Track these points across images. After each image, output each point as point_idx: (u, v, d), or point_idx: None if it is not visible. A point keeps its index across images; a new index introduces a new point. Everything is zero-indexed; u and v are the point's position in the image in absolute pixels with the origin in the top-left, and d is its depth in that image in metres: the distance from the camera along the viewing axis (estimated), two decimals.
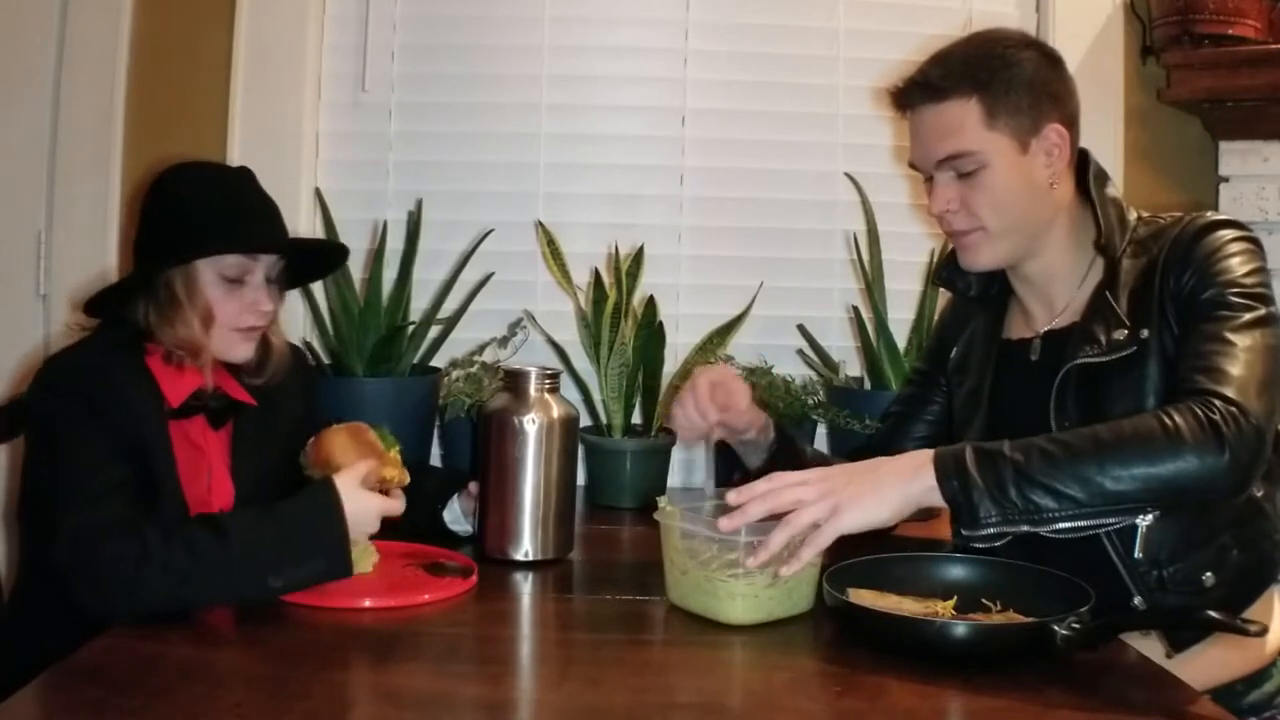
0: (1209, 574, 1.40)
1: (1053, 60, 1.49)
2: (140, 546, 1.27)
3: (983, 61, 1.45)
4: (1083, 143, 1.51)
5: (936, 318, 1.85)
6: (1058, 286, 1.53)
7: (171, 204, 1.51)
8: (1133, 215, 1.50)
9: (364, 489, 1.42)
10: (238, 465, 1.55)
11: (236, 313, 1.50)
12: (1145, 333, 1.40)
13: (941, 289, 1.78)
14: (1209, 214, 1.45)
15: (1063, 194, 1.49)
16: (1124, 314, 1.42)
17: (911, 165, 1.54)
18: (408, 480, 1.50)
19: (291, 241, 1.63)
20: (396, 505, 1.47)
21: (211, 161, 1.64)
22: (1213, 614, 1.15)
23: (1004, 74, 1.44)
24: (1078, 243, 1.51)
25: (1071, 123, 1.48)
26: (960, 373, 1.65)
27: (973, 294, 1.63)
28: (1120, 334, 1.41)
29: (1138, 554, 1.40)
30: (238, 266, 1.49)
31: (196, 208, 1.50)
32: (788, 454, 1.62)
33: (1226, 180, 2.19)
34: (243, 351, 1.54)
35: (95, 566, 1.26)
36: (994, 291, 1.62)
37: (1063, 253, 1.51)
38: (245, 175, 1.57)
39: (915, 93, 1.48)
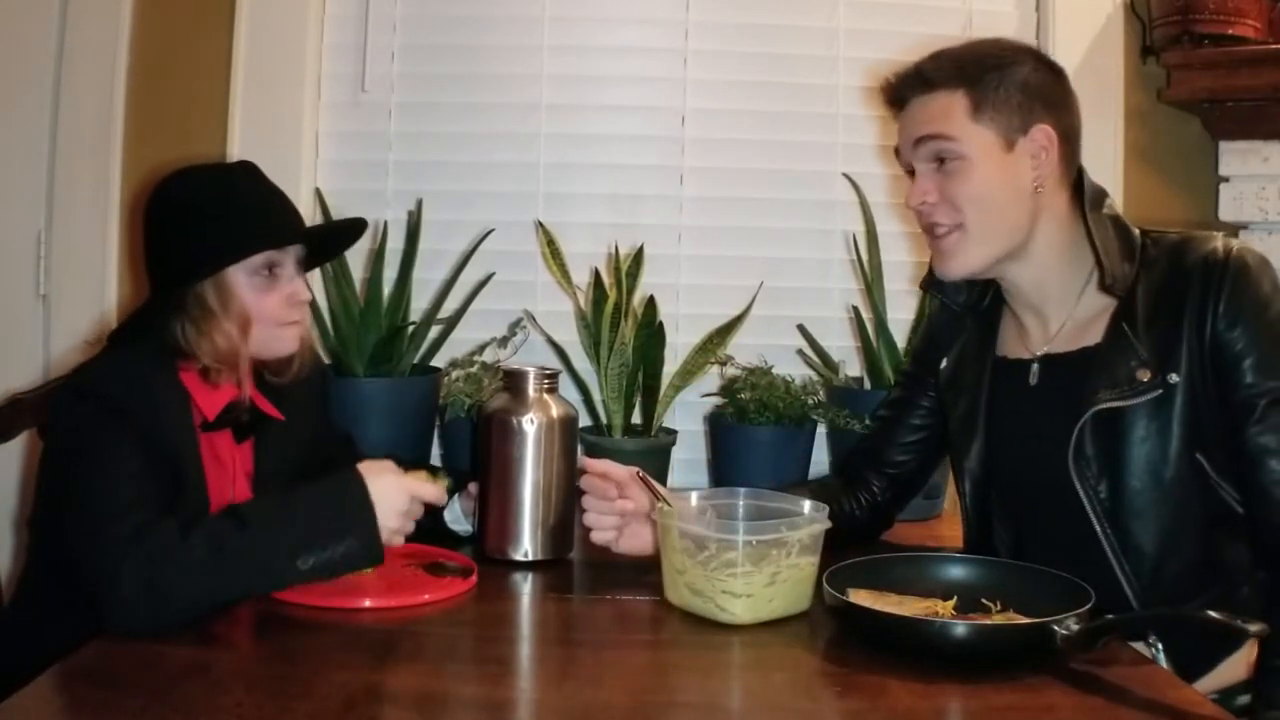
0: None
1: (1053, 70, 1.49)
2: (161, 553, 1.25)
3: (977, 60, 1.46)
4: (1083, 143, 1.50)
5: (925, 320, 1.82)
6: (1051, 301, 1.50)
7: (186, 217, 1.47)
8: (1136, 232, 1.47)
9: (391, 473, 1.39)
10: (260, 479, 1.54)
11: (276, 306, 1.48)
12: (1174, 378, 1.37)
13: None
14: (1233, 245, 1.40)
15: (1053, 203, 1.46)
16: (1144, 350, 1.39)
17: (898, 156, 1.53)
18: (443, 491, 1.47)
19: (319, 228, 1.61)
20: (429, 488, 1.42)
21: (210, 164, 1.62)
22: (1213, 614, 1.15)
23: (995, 73, 1.44)
24: (1073, 256, 1.48)
25: (1067, 133, 1.46)
26: (953, 389, 1.62)
27: (962, 301, 1.61)
28: (1144, 374, 1.38)
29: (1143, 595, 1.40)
30: (267, 261, 1.47)
31: (214, 214, 1.46)
32: None
33: (1226, 180, 2.19)
34: (288, 344, 1.52)
35: (119, 586, 1.23)
36: (986, 304, 1.59)
37: (1054, 263, 1.48)
38: (250, 170, 1.54)
39: (906, 84, 1.49)
